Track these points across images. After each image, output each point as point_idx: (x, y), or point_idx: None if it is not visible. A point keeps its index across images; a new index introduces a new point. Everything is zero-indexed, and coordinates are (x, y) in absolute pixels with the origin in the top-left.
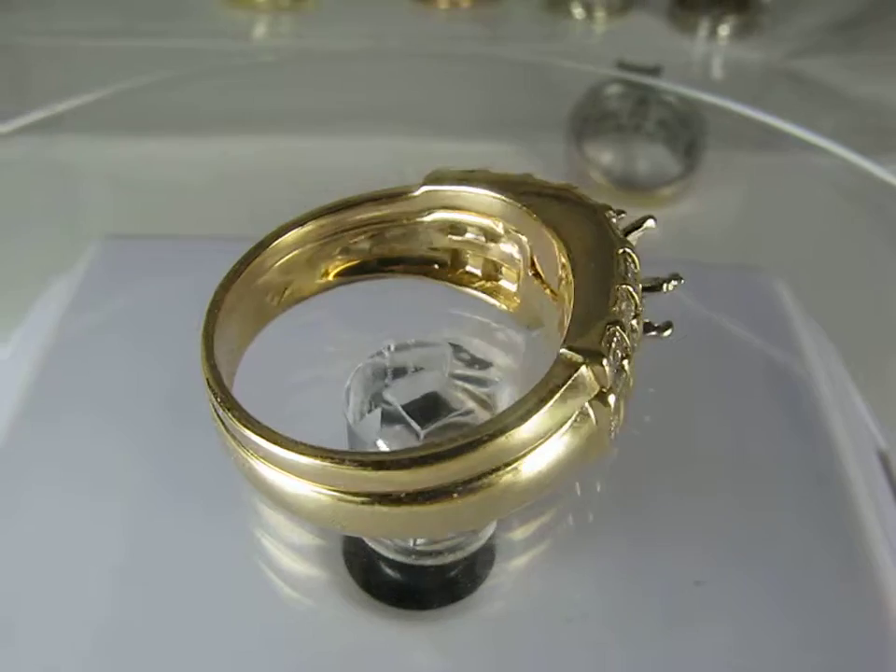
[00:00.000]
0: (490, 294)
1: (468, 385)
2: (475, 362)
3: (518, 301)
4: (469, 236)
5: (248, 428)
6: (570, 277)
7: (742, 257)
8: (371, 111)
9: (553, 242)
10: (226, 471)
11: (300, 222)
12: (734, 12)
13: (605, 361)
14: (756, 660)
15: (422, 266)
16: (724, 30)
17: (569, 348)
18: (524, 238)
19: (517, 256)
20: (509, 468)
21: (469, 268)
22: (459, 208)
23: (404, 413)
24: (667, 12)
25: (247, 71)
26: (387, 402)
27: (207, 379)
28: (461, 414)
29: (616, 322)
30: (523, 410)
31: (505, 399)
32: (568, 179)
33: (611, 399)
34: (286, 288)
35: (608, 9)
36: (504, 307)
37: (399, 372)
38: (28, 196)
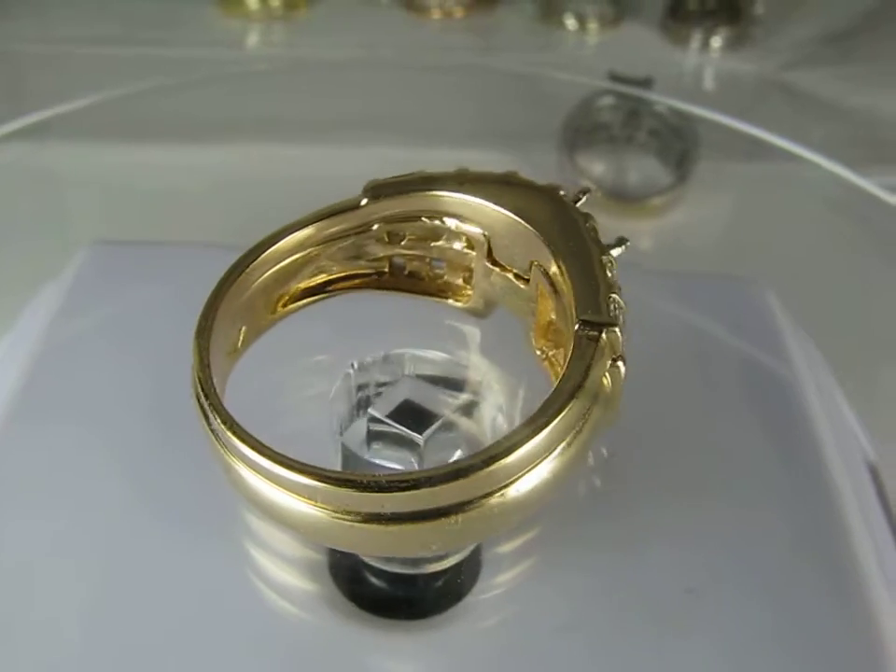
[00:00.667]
0: (439, 293)
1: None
2: (438, 363)
3: (470, 293)
4: (409, 241)
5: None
6: (554, 256)
7: (731, 267)
8: (364, 120)
9: (521, 224)
10: (211, 481)
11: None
12: (726, 24)
13: (616, 329)
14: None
15: (365, 279)
16: (717, 41)
17: (585, 322)
18: (476, 229)
19: (466, 249)
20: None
21: (410, 272)
22: (405, 216)
23: (397, 425)
24: (660, 24)
25: (239, 79)
26: (375, 419)
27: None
28: (453, 412)
29: (612, 290)
30: (564, 398)
31: (484, 387)
32: None
33: (621, 363)
34: (279, 297)
35: (600, 21)
36: (457, 303)
37: (369, 388)
38: (18, 202)
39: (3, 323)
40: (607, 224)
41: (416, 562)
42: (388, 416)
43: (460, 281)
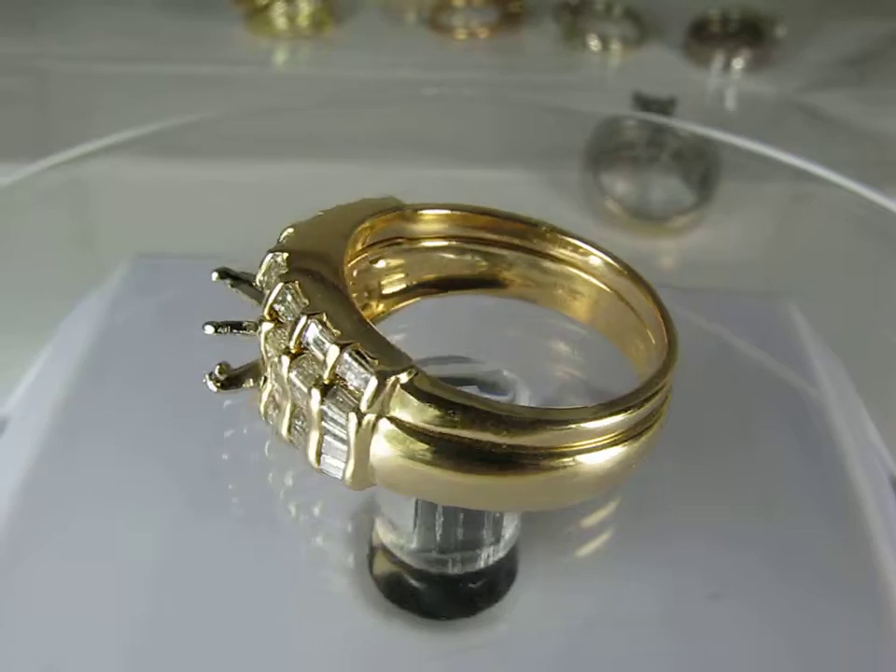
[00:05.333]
0: None
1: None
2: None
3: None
4: None
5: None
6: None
7: (753, 286)
8: (390, 140)
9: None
10: (253, 485)
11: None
12: (747, 46)
13: None
14: (768, 665)
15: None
16: (738, 63)
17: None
18: None
19: None
20: None
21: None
22: None
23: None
24: (682, 45)
25: (269, 96)
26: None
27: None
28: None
29: None
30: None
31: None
32: (584, 208)
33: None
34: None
35: (623, 42)
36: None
37: None
38: (62, 218)
39: (49, 329)
40: (629, 243)
41: (454, 563)
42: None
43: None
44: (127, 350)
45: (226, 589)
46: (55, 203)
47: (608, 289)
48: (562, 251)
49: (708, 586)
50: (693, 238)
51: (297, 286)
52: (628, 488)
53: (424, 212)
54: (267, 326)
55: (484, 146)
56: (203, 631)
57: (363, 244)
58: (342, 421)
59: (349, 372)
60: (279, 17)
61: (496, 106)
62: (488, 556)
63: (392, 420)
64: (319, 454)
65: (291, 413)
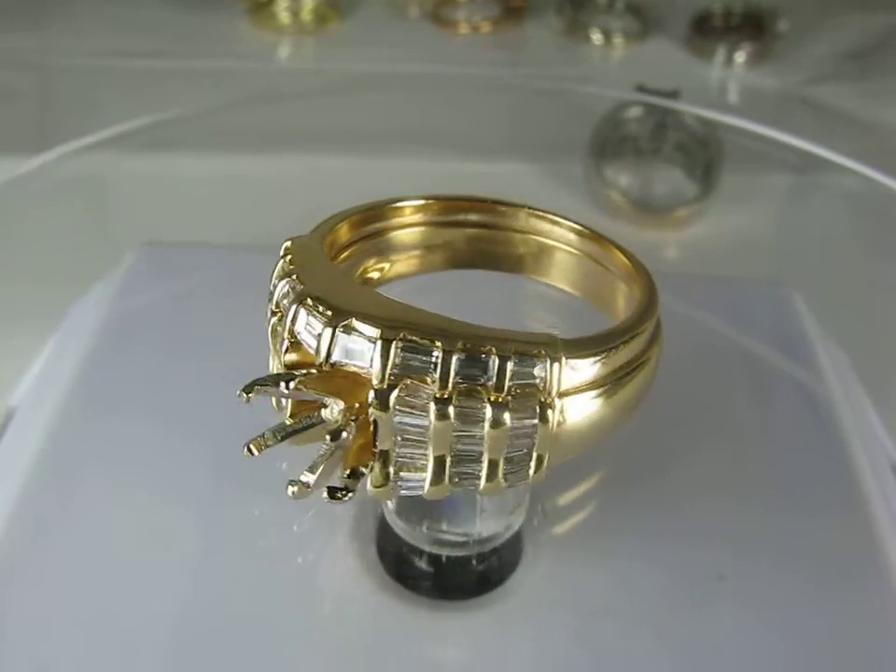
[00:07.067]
0: None
1: None
2: None
3: None
4: None
5: None
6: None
7: (756, 276)
8: (395, 133)
9: None
10: (272, 469)
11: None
12: (749, 39)
13: None
14: (776, 652)
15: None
16: (740, 56)
17: None
18: None
19: None
20: None
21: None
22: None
23: None
24: (685, 39)
25: (272, 93)
26: None
27: None
28: None
29: None
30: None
31: None
32: (588, 200)
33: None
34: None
35: (626, 35)
36: None
37: None
38: (72, 208)
39: (59, 315)
40: (633, 234)
41: (460, 545)
42: None
43: None
44: (136, 337)
45: (225, 588)
46: (62, 193)
47: (581, 255)
48: (533, 224)
49: (715, 568)
50: (696, 229)
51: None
52: (637, 472)
53: (396, 205)
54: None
55: (488, 139)
56: (202, 631)
57: (343, 243)
58: (523, 424)
59: (515, 380)
60: (283, 11)
61: (499, 100)
62: (494, 537)
63: (563, 394)
64: (505, 474)
65: (438, 463)
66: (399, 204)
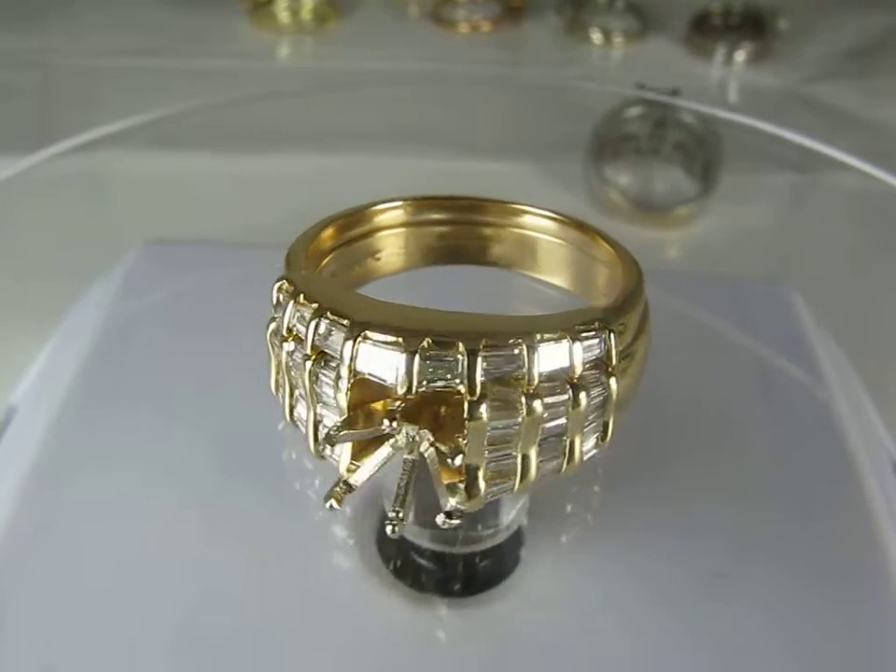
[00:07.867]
0: None
1: None
2: None
3: None
4: None
5: None
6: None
7: (756, 274)
8: (395, 132)
9: None
10: (274, 465)
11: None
12: (749, 38)
13: None
14: (777, 649)
15: None
16: (740, 55)
17: None
18: None
19: None
20: None
21: None
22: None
23: None
24: (684, 38)
25: (272, 92)
26: None
27: None
28: None
29: None
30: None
31: None
32: (587, 199)
33: None
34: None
35: (625, 35)
36: None
37: None
38: (73, 207)
39: (60, 313)
40: (633, 233)
41: (461, 542)
42: None
43: None
44: (137, 335)
45: (228, 586)
46: (63, 191)
47: (565, 244)
48: (514, 218)
49: (714, 566)
50: (695, 228)
51: None
52: (637, 471)
53: (375, 208)
54: None
55: (488, 138)
56: (204, 629)
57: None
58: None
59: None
60: (282, 11)
61: (498, 99)
62: (494, 535)
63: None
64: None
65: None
66: (378, 207)
